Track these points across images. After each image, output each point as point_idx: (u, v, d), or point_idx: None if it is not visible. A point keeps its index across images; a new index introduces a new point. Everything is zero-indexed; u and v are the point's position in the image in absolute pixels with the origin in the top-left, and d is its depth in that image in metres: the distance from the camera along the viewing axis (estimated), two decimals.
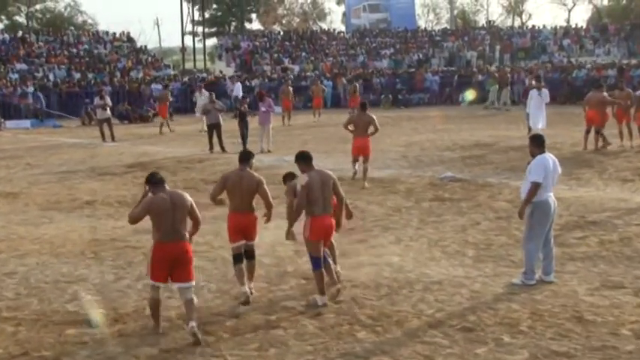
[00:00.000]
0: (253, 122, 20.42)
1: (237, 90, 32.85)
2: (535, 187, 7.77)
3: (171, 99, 27.59)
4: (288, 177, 8.26)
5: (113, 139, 23.28)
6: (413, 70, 40.57)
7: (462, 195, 12.97)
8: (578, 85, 34.72)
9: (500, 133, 22.17)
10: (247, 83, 35.94)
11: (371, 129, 14.30)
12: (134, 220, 6.74)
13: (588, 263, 8.76)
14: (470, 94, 36.18)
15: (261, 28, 64.94)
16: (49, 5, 64.54)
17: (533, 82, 21.09)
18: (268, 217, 7.94)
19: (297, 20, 73.08)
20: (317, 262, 7.55)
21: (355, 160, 14.49)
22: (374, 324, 6.94)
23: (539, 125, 19.03)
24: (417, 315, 7.14)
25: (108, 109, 23.68)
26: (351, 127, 14.46)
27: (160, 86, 34.14)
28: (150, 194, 6.77)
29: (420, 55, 44.69)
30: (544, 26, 50.61)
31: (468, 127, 24.81)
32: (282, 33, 50.16)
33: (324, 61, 42.45)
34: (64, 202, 13.43)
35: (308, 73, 38.89)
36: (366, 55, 43.98)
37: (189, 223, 6.86)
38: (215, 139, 19.74)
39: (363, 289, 8.00)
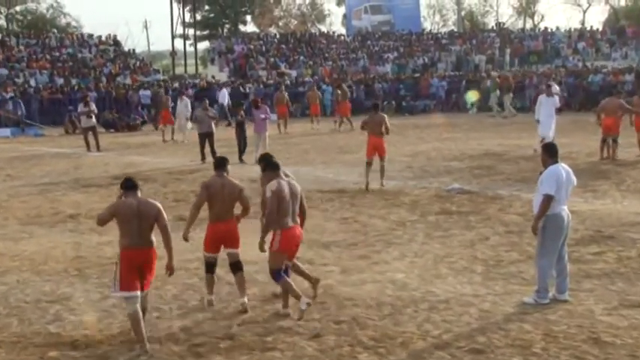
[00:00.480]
0: (248, 130, 20.45)
1: (223, 97, 32.84)
2: (547, 199, 7.78)
3: (172, 104, 27.58)
4: (266, 164, 8.04)
5: (98, 148, 23.31)
6: (418, 75, 40.74)
7: (470, 208, 12.98)
8: (593, 91, 34.83)
9: (511, 142, 22.21)
10: (242, 89, 36.03)
11: (383, 128, 15.36)
12: (100, 221, 7.21)
13: (605, 281, 8.76)
14: (472, 95, 36.30)
15: (257, 30, 65.15)
16: (30, 7, 64.71)
17: (553, 85, 21.11)
18: (240, 217, 8.24)
19: (295, 22, 73.28)
20: (278, 274, 7.72)
21: (369, 164, 15.21)
22: (376, 345, 6.93)
23: (551, 133, 19.09)
24: (423, 336, 7.14)
25: (93, 116, 23.73)
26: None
27: (148, 92, 34.27)
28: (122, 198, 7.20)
29: (426, 59, 44.85)
30: (557, 28, 50.86)
31: (476, 136, 24.86)
32: (278, 36, 50.35)
33: (323, 65, 42.59)
34: (45, 215, 13.43)
35: (306, 79, 38.99)
36: (368, 59, 44.13)
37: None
38: (207, 148, 19.77)
39: (364, 308, 8.00)
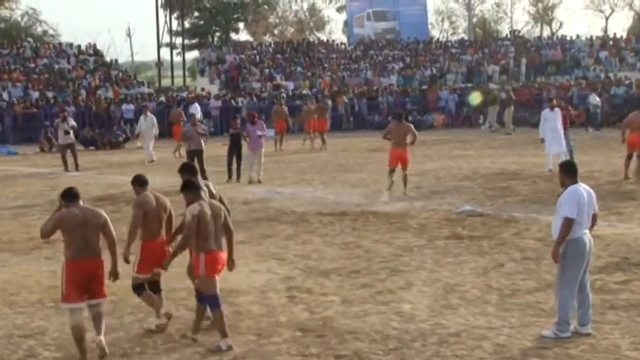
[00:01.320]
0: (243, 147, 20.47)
1: (195, 111, 32.66)
2: (567, 223, 7.80)
3: (184, 119, 27.58)
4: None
5: (77, 167, 23.32)
6: (425, 87, 40.84)
7: (483, 232, 13.00)
8: (617, 104, 34.93)
9: (527, 160, 22.25)
10: (233, 103, 36.14)
11: (409, 138, 16.79)
12: (45, 234, 7.58)
13: (632, 312, 8.75)
14: (475, 98, 36.40)
15: (250, 39, 65.44)
16: (3, 14, 65.00)
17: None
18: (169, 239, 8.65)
19: (292, 30, 73.60)
20: (215, 301, 7.85)
21: (392, 171, 16.66)
22: None
23: (554, 150, 19.24)
24: None
25: (71, 133, 23.76)
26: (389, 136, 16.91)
27: (131, 106, 34.33)
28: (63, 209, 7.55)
29: (434, 70, 44.99)
30: (577, 36, 50.97)
31: (489, 153, 24.90)
32: (273, 45, 50.52)
33: (322, 76, 42.74)
34: (18, 241, 13.42)
35: (304, 91, 39.12)
36: (371, 70, 44.28)
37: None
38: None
39: (368, 342, 7.99)
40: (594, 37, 51.62)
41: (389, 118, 35.88)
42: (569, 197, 7.87)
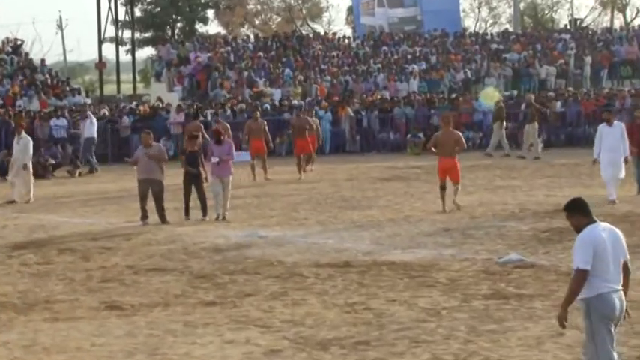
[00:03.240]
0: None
1: (90, 130, 32.32)
2: (580, 276, 8.03)
3: (205, 135, 27.77)
4: None
5: None
6: (456, 95, 40.84)
7: (534, 289, 12.96)
8: None
9: (595, 192, 22.26)
10: (200, 116, 36.20)
11: (457, 148, 19.10)
12: None
13: None
14: (488, 96, 36.48)
15: (223, 32, 65.55)
16: None
17: (609, 115, 21.80)
18: None
19: (278, 20, 73.86)
20: None
21: (443, 188, 19.26)
22: None
23: (608, 175, 19.70)
24: None
25: None
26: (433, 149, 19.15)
27: (64, 122, 34.25)
28: None
29: (469, 73, 45.10)
30: None
31: (543, 183, 24.95)
32: (254, 39, 50.63)
33: (318, 82, 42.82)
34: None
35: (294, 101, 39.18)
36: (385, 72, 44.38)
37: None
38: (151, 202, 19.84)
39: None
40: None
41: (408, 136, 36.17)
42: (581, 242, 8.08)
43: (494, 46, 48.74)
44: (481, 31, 61.73)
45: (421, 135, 36.40)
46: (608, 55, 46.96)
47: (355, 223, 19.22)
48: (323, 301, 12.69)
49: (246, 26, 71.65)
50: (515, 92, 41.67)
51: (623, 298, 8.17)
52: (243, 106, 37.55)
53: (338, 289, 13.33)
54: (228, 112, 36.98)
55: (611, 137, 20.03)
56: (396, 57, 46.44)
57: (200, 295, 12.99)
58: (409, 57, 46.59)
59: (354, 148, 37.07)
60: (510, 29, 58.40)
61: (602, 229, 8.16)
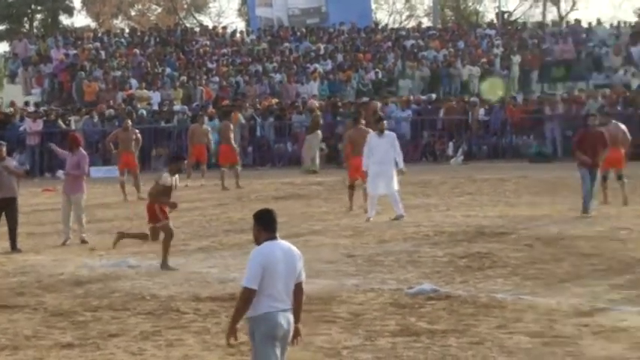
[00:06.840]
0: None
1: None
2: (246, 294, 8.78)
3: (212, 138, 29.65)
4: None
5: None
6: (366, 99, 40.85)
7: (448, 324, 13.01)
8: None
9: (521, 212, 22.55)
10: (62, 123, 35.81)
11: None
12: None
13: None
14: (493, 86, 37.04)
15: (92, 24, 65.18)
16: None
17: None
18: None
19: (159, 10, 73.69)
20: None
21: (352, 187, 21.70)
22: None
23: (388, 189, 21.59)
24: None
25: None
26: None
27: None
28: None
29: (380, 74, 45.34)
30: (599, 22, 51.73)
31: (463, 201, 25.23)
32: (128, 33, 50.42)
33: (204, 83, 42.69)
34: None
35: (176, 107, 39.01)
36: (283, 72, 44.43)
37: None
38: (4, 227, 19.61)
39: None
40: (622, 24, 52.36)
41: (321, 151, 36.21)
42: (253, 258, 8.88)
43: (410, 42, 49.04)
44: (395, 26, 62.23)
45: (324, 146, 36.50)
46: (539, 54, 47.40)
47: (243, 249, 18.99)
48: (203, 341, 12.61)
49: (119, 18, 71.35)
50: (433, 96, 41.97)
51: (291, 319, 9.04)
52: (112, 112, 37.36)
53: (221, 328, 13.24)
54: (96, 118, 36.70)
55: (381, 148, 21.22)
56: (296, 55, 46.57)
57: (56, 336, 12.78)
58: (312, 55, 46.73)
59: (246, 161, 36.88)
60: (429, 24, 59.02)
61: (281, 247, 8.98)
